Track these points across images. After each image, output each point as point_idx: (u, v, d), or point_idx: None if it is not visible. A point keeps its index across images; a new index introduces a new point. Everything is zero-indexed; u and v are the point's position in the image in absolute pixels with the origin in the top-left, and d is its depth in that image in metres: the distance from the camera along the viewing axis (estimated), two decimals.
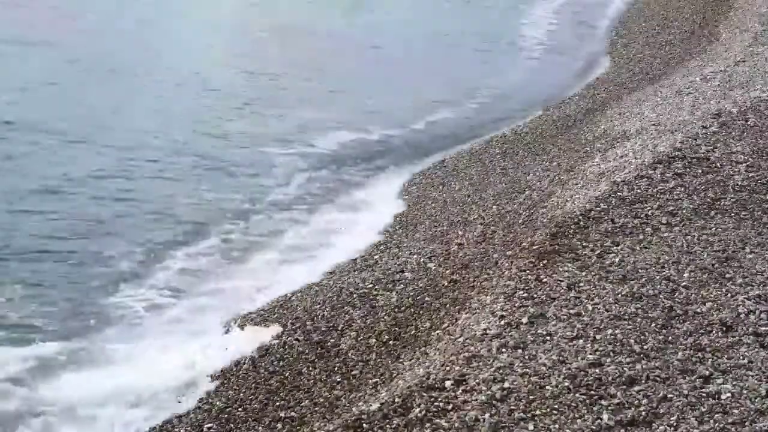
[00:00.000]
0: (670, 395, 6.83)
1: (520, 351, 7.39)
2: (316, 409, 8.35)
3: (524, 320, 7.87)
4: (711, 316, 7.96)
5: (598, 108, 17.86)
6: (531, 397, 6.78)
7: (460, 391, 6.92)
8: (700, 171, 11.27)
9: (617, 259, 9.00)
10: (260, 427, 8.34)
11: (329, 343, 9.50)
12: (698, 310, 8.07)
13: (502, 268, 9.51)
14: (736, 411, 6.66)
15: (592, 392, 6.85)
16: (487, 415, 6.56)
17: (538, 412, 6.62)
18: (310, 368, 9.13)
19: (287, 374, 9.11)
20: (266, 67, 21.22)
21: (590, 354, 7.32)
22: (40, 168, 14.23)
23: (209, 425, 8.52)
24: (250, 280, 11.67)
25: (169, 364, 9.63)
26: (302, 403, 8.52)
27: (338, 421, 7.19)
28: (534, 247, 9.53)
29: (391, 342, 9.15)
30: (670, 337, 7.62)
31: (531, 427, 6.47)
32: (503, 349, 7.42)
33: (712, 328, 7.79)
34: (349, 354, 9.18)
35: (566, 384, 6.92)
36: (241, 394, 8.94)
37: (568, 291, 8.39)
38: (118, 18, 24.47)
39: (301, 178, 15.12)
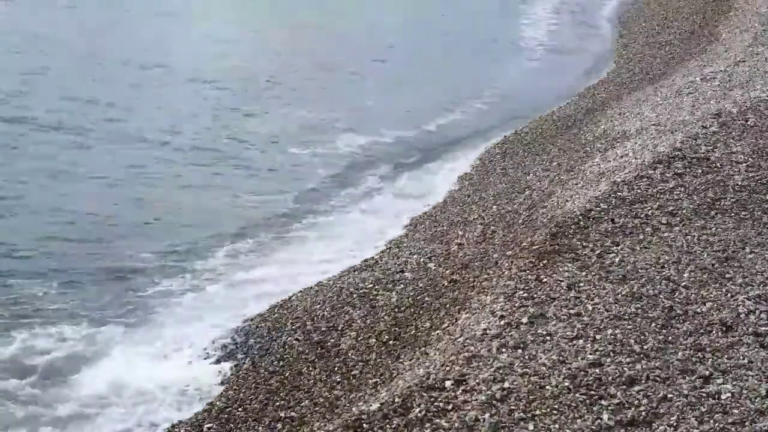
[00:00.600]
0: (670, 395, 6.82)
1: (520, 351, 7.38)
2: (316, 409, 8.35)
3: (524, 320, 7.86)
4: (711, 316, 7.95)
5: (598, 108, 17.86)
6: (531, 397, 6.77)
7: (460, 391, 6.92)
8: (700, 171, 11.27)
9: (617, 259, 9.00)
10: (260, 427, 8.34)
11: (329, 343, 9.50)
12: (698, 310, 8.07)
13: (502, 268, 9.51)
14: (736, 411, 6.65)
15: (592, 392, 6.84)
16: (487, 415, 6.56)
17: (538, 412, 6.62)
18: (310, 368, 9.13)
19: (287, 374, 9.11)
20: (271, 68, 21.50)
21: (590, 354, 7.32)
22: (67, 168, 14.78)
23: (209, 425, 8.52)
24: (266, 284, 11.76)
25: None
26: (302, 403, 8.53)
27: (338, 421, 7.19)
28: (534, 247, 9.53)
29: (391, 342, 9.16)
30: (670, 337, 7.61)
31: (531, 427, 6.47)
32: (503, 349, 7.42)
33: (712, 328, 7.78)
34: (349, 354, 9.19)
35: (566, 384, 6.91)
36: (241, 394, 8.94)
37: (568, 291, 8.38)
38: (136, 16, 24.99)
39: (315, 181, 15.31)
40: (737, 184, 10.84)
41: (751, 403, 6.74)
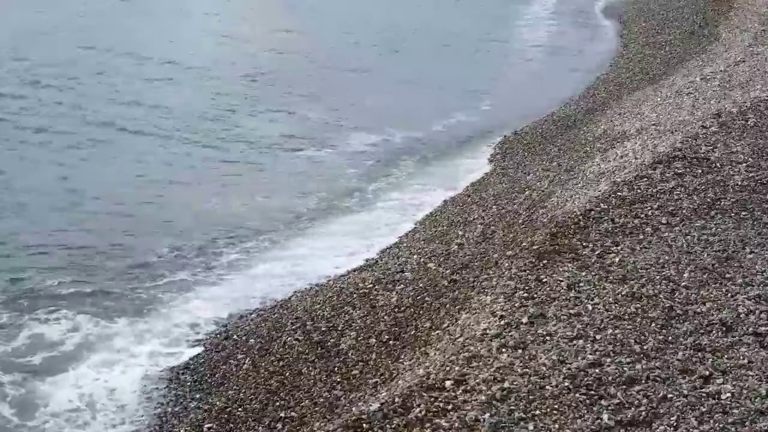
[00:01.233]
0: (670, 395, 6.82)
1: (520, 351, 7.38)
2: (316, 409, 8.35)
3: (524, 320, 7.87)
4: (711, 316, 7.95)
5: (598, 108, 17.87)
6: (531, 397, 6.77)
7: (460, 391, 6.91)
8: (700, 171, 11.27)
9: (617, 259, 9.00)
10: (260, 427, 8.34)
11: (329, 343, 9.50)
12: (698, 310, 8.07)
13: (502, 268, 9.51)
14: (736, 411, 6.65)
15: (592, 392, 6.84)
16: (487, 415, 6.56)
17: (538, 412, 6.62)
18: (310, 368, 9.13)
19: (287, 374, 9.11)
20: (273, 70, 21.66)
21: (590, 354, 7.32)
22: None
23: (209, 425, 8.51)
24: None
25: None
26: (302, 403, 8.52)
27: (338, 421, 7.19)
28: (534, 247, 9.53)
29: (391, 342, 9.15)
30: (670, 337, 7.61)
31: (531, 427, 6.47)
32: (503, 349, 7.42)
33: (712, 328, 7.78)
34: (349, 354, 9.18)
35: (566, 384, 6.91)
36: (241, 394, 8.94)
37: (568, 291, 8.38)
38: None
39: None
40: (737, 184, 10.83)
41: (751, 403, 6.74)
